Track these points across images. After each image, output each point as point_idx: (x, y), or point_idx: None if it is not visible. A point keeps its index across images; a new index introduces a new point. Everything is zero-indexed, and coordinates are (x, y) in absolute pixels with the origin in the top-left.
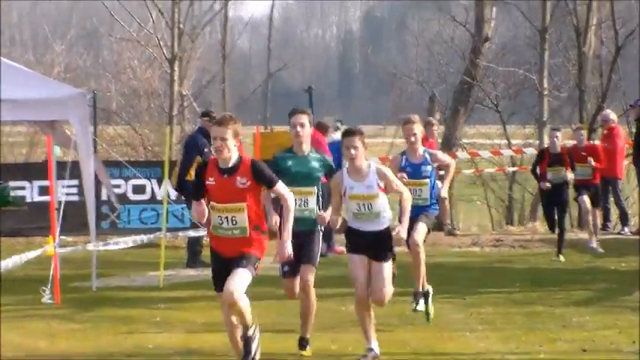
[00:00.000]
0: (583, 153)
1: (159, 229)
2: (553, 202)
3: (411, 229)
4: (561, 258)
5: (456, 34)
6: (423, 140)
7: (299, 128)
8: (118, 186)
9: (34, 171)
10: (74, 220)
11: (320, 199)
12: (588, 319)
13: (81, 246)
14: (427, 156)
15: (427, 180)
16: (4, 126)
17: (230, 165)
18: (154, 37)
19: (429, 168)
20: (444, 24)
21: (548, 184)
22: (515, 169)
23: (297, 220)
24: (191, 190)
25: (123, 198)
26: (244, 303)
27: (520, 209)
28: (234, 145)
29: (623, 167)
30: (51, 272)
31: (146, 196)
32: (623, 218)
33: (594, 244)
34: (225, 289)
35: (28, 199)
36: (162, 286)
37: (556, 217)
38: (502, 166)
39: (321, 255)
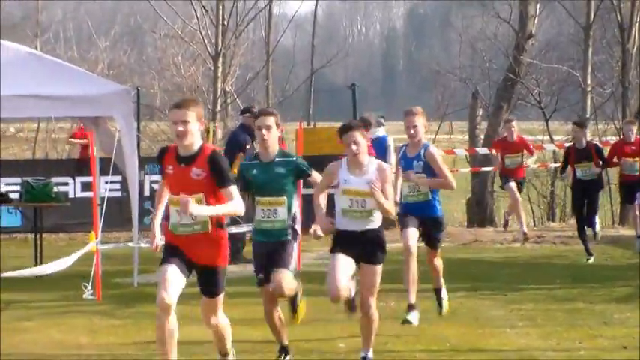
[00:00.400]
0: (633, 147)
1: None
2: (583, 199)
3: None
4: (591, 260)
5: (500, 31)
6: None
7: (264, 132)
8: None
9: (77, 167)
10: (116, 216)
11: (291, 209)
12: (629, 316)
13: (123, 242)
14: (422, 152)
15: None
16: (48, 122)
17: (189, 153)
18: (197, 34)
19: (421, 164)
20: (488, 21)
21: (565, 175)
22: (557, 165)
23: (264, 231)
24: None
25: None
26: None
27: (562, 205)
28: (198, 130)
29: None
30: (92, 268)
31: None
32: None
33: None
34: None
35: (71, 195)
36: None
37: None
38: (544, 162)
39: None
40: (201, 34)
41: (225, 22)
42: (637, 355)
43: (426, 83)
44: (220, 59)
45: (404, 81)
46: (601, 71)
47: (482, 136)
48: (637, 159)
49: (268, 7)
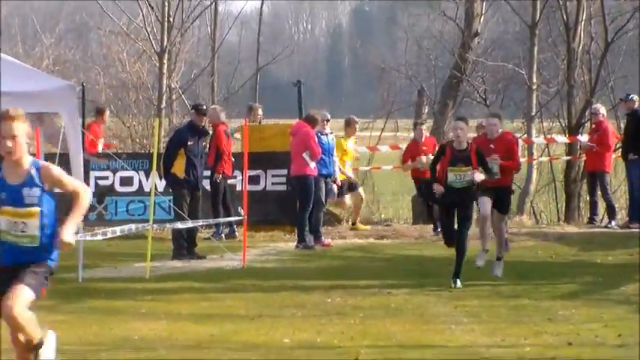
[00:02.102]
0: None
1: (146, 221)
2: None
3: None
4: (458, 284)
5: (446, 29)
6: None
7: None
8: (106, 177)
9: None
10: (61, 211)
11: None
12: (574, 312)
13: None
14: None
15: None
16: None
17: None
18: (143, 31)
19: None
20: (434, 19)
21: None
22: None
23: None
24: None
25: (110, 190)
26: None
27: None
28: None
29: (611, 161)
30: None
31: (133, 188)
32: (610, 212)
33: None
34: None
35: None
36: (149, 277)
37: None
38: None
39: (308, 247)
40: (146, 30)
41: (171, 19)
42: (581, 351)
43: (372, 81)
44: (166, 56)
45: (349, 78)
46: (547, 70)
47: (428, 134)
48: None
49: (214, 4)
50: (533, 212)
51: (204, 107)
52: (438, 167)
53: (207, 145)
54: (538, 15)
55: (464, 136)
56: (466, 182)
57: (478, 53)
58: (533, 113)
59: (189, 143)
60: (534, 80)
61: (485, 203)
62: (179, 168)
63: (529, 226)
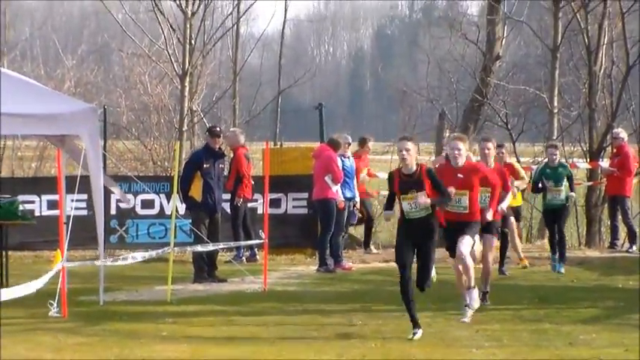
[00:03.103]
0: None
1: (167, 244)
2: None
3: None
4: (418, 334)
5: (467, 52)
6: None
7: None
8: (128, 200)
9: (43, 185)
10: (82, 234)
11: None
12: (595, 337)
13: (89, 260)
14: None
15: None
16: (14, 140)
17: None
18: (165, 53)
19: None
20: (455, 42)
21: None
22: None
23: None
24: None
25: (131, 212)
26: None
27: (528, 226)
28: None
29: (632, 185)
30: (58, 286)
31: (154, 211)
32: (631, 236)
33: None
34: None
35: (37, 213)
36: (170, 300)
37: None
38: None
39: (329, 271)
40: (168, 52)
41: (193, 41)
42: None
43: (393, 103)
44: (187, 78)
45: (371, 101)
46: (568, 93)
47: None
48: None
49: (236, 26)
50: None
51: (219, 130)
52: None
53: (226, 168)
54: (560, 38)
55: (410, 158)
56: (424, 211)
57: (499, 76)
58: (555, 137)
59: (205, 166)
60: (555, 104)
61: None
62: (196, 191)
63: (548, 250)
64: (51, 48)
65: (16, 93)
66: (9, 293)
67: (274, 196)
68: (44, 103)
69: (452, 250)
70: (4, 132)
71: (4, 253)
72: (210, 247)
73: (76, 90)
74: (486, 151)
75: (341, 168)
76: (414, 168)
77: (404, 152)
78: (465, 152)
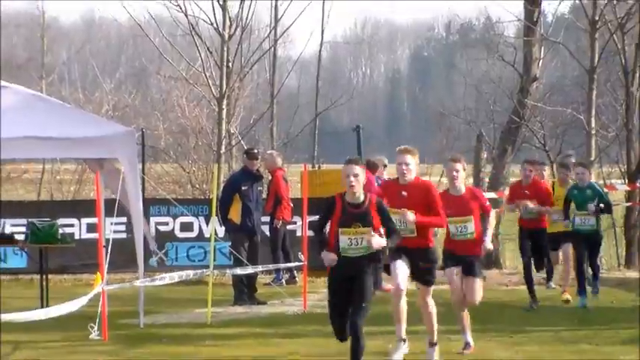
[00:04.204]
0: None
1: (206, 267)
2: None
3: None
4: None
5: (504, 74)
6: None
7: None
8: (166, 223)
9: (82, 208)
10: (122, 257)
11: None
12: (634, 358)
13: (128, 283)
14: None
15: None
16: (53, 163)
17: None
18: (202, 76)
19: None
20: (493, 63)
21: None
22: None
23: None
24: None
25: (170, 235)
26: None
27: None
28: None
29: None
30: (99, 309)
31: (193, 234)
32: None
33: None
34: None
35: (77, 237)
36: (210, 323)
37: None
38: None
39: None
40: (205, 75)
41: (230, 64)
42: None
43: (431, 125)
44: (225, 101)
45: (408, 123)
46: (605, 114)
47: (487, 179)
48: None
49: (273, 49)
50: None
51: (256, 151)
52: (328, 227)
53: (264, 190)
54: (596, 59)
55: (358, 185)
56: (364, 249)
57: (536, 98)
58: (592, 158)
59: (243, 188)
60: (593, 125)
61: (398, 269)
62: (235, 213)
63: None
64: (89, 71)
65: (54, 117)
66: (50, 312)
67: (313, 218)
68: (82, 127)
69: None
70: (43, 155)
71: (44, 276)
72: (250, 269)
73: (114, 113)
74: (454, 174)
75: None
76: (362, 197)
77: (352, 178)
78: (414, 167)
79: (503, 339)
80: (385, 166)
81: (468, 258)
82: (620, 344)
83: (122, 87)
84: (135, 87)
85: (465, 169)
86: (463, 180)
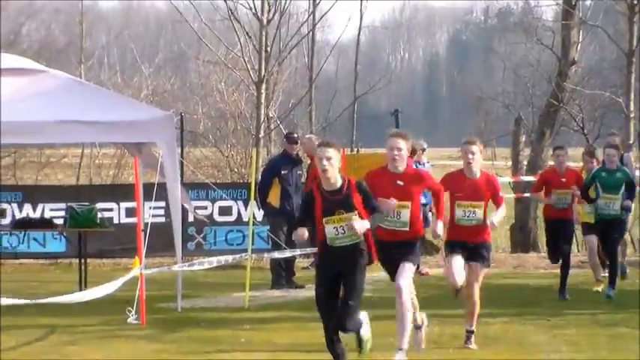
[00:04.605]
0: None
1: (244, 251)
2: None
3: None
4: None
5: (543, 58)
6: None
7: None
8: (205, 207)
9: (121, 193)
10: (160, 241)
11: None
12: None
13: (167, 267)
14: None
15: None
16: (92, 148)
17: None
18: (240, 60)
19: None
20: (531, 47)
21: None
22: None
23: None
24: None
25: (209, 219)
26: None
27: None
28: None
29: None
30: (137, 293)
31: (232, 218)
32: None
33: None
34: None
35: (115, 221)
36: (248, 307)
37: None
38: None
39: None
40: (244, 60)
41: (269, 49)
42: None
43: (469, 109)
44: (263, 85)
45: (446, 107)
46: None
47: (525, 163)
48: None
49: (311, 33)
50: (631, 241)
51: (296, 136)
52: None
53: (303, 174)
54: (635, 42)
55: (332, 169)
56: (354, 236)
57: (575, 81)
58: (631, 141)
59: (282, 172)
60: (631, 108)
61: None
62: (274, 197)
63: (628, 254)
64: (128, 56)
65: (93, 101)
66: (87, 295)
67: None
68: (121, 111)
69: (391, 274)
70: (82, 140)
71: (82, 260)
72: (288, 253)
73: (153, 98)
74: (469, 157)
75: None
76: (340, 182)
77: (324, 162)
78: (406, 153)
79: (540, 322)
80: (424, 150)
81: (472, 245)
82: None
83: (161, 72)
84: (174, 72)
85: (482, 152)
86: (479, 163)
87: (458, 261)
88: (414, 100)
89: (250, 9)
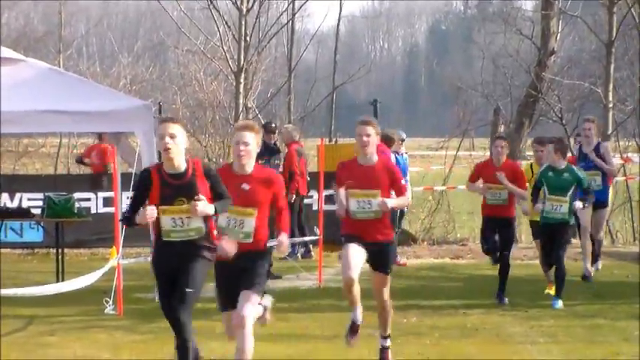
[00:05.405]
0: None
1: None
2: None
3: None
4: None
5: (522, 48)
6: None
7: None
8: None
9: (99, 182)
10: (137, 231)
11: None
12: None
13: (143, 257)
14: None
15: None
16: (70, 137)
17: None
18: (220, 50)
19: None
20: (510, 37)
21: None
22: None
23: None
24: None
25: None
26: None
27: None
28: None
29: None
30: (114, 283)
31: None
32: None
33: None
34: None
35: (93, 211)
36: None
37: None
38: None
39: None
40: (223, 49)
41: (248, 38)
42: None
43: (448, 99)
44: (242, 75)
45: (425, 97)
46: (623, 88)
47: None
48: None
49: (290, 22)
50: (609, 232)
51: (274, 125)
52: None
53: (281, 164)
54: (614, 33)
55: (175, 148)
56: (194, 231)
57: (554, 71)
58: (609, 132)
59: (260, 162)
60: (610, 99)
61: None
62: None
63: (605, 245)
64: (107, 46)
65: (71, 90)
66: (64, 286)
67: (329, 192)
68: (99, 100)
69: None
70: (60, 129)
71: (60, 250)
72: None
73: (131, 87)
74: (364, 139)
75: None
76: (183, 165)
77: (167, 137)
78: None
79: (518, 313)
80: (403, 140)
81: (372, 245)
82: (636, 319)
83: (140, 61)
84: (152, 61)
85: (378, 134)
86: (375, 147)
87: (354, 251)
88: (394, 90)
89: None
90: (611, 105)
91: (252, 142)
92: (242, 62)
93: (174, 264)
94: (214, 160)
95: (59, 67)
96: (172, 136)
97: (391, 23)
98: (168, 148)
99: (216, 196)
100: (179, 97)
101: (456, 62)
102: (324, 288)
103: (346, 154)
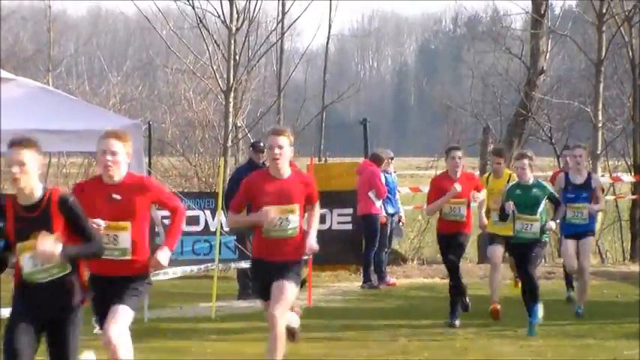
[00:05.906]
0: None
1: (211, 261)
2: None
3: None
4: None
5: (511, 67)
6: None
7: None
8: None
9: None
10: None
11: None
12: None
13: None
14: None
15: None
16: (59, 157)
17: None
18: (209, 69)
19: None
20: (499, 56)
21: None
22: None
23: None
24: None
25: None
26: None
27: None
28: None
29: None
30: None
31: (199, 227)
32: None
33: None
34: None
35: None
36: (214, 317)
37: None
38: None
39: (373, 287)
40: (212, 68)
41: (237, 57)
42: None
43: (437, 118)
44: (232, 94)
45: (415, 116)
46: (612, 107)
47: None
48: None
49: (280, 42)
50: (599, 251)
51: (262, 145)
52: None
53: None
54: (604, 52)
55: (25, 176)
56: (58, 268)
57: (543, 91)
58: (599, 151)
59: None
60: (600, 118)
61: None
62: None
63: (594, 265)
64: (96, 64)
65: (60, 110)
66: None
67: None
68: (89, 120)
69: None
70: (49, 149)
71: None
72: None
73: (120, 106)
74: (275, 151)
75: (384, 183)
76: (38, 194)
77: (15, 166)
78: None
79: (507, 333)
80: (392, 159)
81: (278, 264)
82: (625, 338)
83: (129, 80)
84: (142, 80)
85: (291, 145)
86: (288, 160)
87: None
88: (383, 109)
89: (219, 17)
90: (600, 124)
91: (121, 150)
92: (231, 81)
93: (41, 307)
94: (204, 179)
95: (48, 85)
96: (21, 164)
97: (380, 42)
98: (17, 179)
99: (81, 236)
100: (169, 116)
101: (446, 81)
102: (314, 308)
103: (336, 173)
